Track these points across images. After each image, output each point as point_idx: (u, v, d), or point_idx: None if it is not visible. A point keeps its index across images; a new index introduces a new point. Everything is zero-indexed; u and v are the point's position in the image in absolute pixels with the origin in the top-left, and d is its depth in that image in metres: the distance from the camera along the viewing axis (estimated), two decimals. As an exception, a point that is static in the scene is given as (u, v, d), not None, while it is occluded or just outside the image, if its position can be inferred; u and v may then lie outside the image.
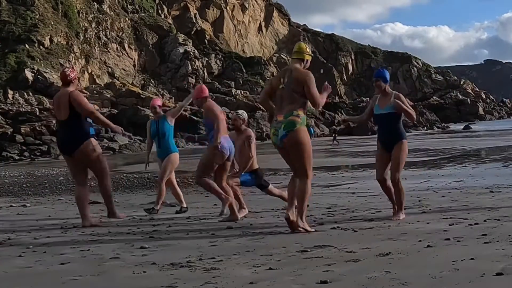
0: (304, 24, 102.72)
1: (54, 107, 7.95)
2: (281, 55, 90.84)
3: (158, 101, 9.79)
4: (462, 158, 22.06)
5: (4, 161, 37.32)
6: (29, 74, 55.33)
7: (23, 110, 49.47)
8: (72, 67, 8.36)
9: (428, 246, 5.43)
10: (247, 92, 68.18)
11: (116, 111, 55.96)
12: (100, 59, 66.99)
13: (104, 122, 8.04)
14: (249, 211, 8.92)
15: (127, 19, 73.17)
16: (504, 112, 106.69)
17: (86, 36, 66.78)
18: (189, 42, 75.04)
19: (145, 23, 74.50)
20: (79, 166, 7.90)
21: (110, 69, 67.37)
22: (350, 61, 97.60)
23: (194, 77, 70.57)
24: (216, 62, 76.03)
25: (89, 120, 7.84)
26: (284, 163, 6.86)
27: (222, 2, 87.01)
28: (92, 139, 7.84)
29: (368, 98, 77.93)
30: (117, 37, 70.40)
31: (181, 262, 5.09)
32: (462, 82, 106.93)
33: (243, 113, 8.90)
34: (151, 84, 68.66)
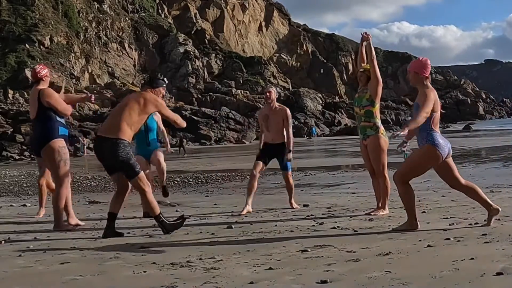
0: (305, 24, 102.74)
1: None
2: (281, 55, 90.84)
3: None
4: (462, 158, 22.05)
5: (4, 160, 37.33)
6: (29, 74, 55.33)
7: (23, 109, 49.44)
8: (44, 65, 8.08)
9: (428, 246, 5.43)
10: (247, 92, 68.20)
11: (116, 110, 55.95)
12: (100, 58, 67.02)
13: (77, 101, 7.81)
14: (249, 211, 8.92)
15: (127, 18, 73.20)
16: (504, 112, 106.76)
17: (86, 35, 66.81)
18: (189, 42, 75.08)
19: (145, 23, 74.53)
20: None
21: (110, 68, 67.40)
22: (350, 61, 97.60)
23: (194, 77, 70.59)
24: (216, 61, 76.06)
25: (60, 120, 7.54)
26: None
27: (222, 2, 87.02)
28: (59, 140, 7.44)
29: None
30: (117, 37, 70.43)
31: (181, 262, 5.09)
32: (462, 82, 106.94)
33: (273, 87, 9.64)
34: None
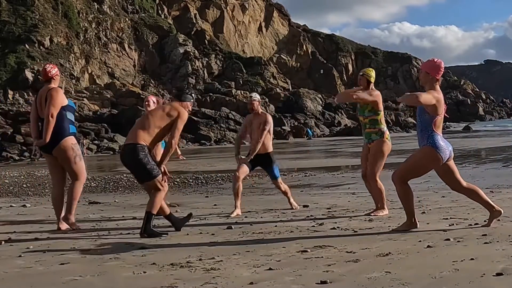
0: (304, 25, 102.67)
1: (37, 104, 7.71)
2: (281, 56, 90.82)
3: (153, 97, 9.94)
4: (462, 158, 22.05)
5: (4, 161, 37.30)
6: (29, 74, 55.36)
7: (23, 110, 49.44)
8: (54, 65, 8.19)
9: (428, 246, 5.43)
10: (247, 92, 68.11)
11: (116, 111, 55.95)
12: (100, 59, 66.99)
13: (46, 130, 7.44)
14: (249, 211, 8.92)
15: (127, 19, 73.17)
16: (504, 113, 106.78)
17: (86, 36, 66.78)
18: (189, 43, 75.02)
19: (145, 23, 74.49)
20: (57, 166, 7.68)
21: (110, 69, 67.37)
22: (350, 62, 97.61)
23: (194, 78, 70.60)
24: (216, 62, 76.02)
25: (69, 117, 7.62)
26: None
27: (222, 2, 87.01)
28: (71, 138, 7.59)
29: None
30: (117, 37, 70.40)
31: (181, 262, 5.09)
32: (462, 83, 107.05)
33: (257, 95, 9.38)
34: (151, 84, 68.68)
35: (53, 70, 7.78)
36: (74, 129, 7.76)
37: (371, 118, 7.96)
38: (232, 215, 8.54)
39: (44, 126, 7.46)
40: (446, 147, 6.31)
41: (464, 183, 6.49)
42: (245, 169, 8.97)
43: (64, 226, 7.59)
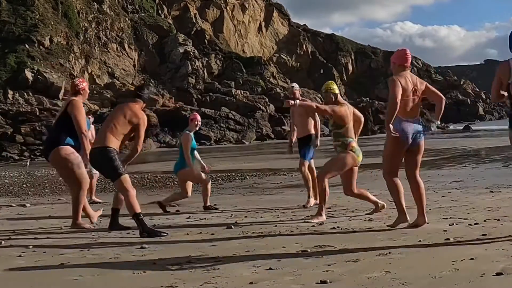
0: (304, 24, 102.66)
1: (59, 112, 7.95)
2: (281, 55, 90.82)
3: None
4: (462, 158, 22.06)
5: (4, 161, 37.30)
6: (29, 74, 55.34)
7: (23, 110, 49.46)
8: (83, 78, 8.35)
9: (428, 246, 5.43)
10: (247, 92, 68.12)
11: (116, 111, 55.90)
12: (100, 59, 66.97)
13: (83, 146, 7.52)
14: (249, 211, 8.92)
15: (127, 19, 73.18)
16: (504, 112, 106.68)
17: (86, 36, 66.77)
18: (189, 42, 74.97)
19: (145, 23, 74.49)
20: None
21: (110, 69, 67.35)
22: (350, 61, 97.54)
23: (194, 77, 70.58)
24: (216, 62, 75.98)
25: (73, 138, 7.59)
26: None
27: (222, 2, 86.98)
28: (66, 148, 7.50)
29: (368, 98, 77.77)
30: (117, 37, 70.40)
31: (181, 262, 5.09)
32: (462, 82, 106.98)
33: (296, 85, 10.15)
34: (151, 84, 68.56)
35: (81, 84, 7.88)
36: (72, 141, 7.58)
37: (334, 131, 7.91)
38: (309, 205, 9.19)
39: (81, 142, 7.48)
40: (406, 129, 6.50)
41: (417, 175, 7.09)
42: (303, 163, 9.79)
43: (85, 224, 7.70)
